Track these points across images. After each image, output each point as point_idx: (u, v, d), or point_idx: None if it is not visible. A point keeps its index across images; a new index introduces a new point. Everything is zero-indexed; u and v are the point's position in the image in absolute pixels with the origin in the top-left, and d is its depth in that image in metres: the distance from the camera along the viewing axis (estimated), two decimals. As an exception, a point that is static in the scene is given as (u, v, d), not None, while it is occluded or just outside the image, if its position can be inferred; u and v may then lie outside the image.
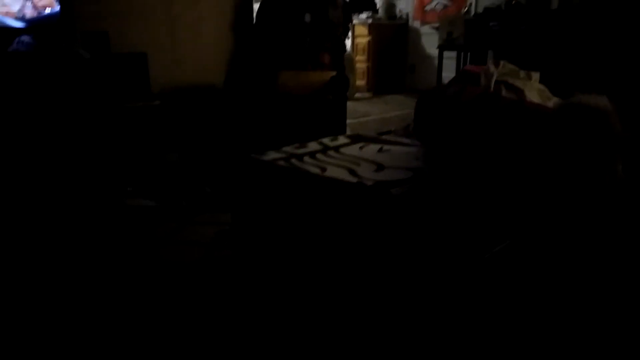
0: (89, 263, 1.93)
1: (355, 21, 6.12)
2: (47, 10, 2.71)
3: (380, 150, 1.72)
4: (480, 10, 5.15)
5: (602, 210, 1.25)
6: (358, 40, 6.23)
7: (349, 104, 4.63)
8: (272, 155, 1.63)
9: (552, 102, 2.01)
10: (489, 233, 1.27)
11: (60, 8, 2.72)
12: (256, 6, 3.71)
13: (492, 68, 2.02)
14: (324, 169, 1.47)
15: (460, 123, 1.47)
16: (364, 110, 5.19)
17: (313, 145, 1.75)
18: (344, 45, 3.88)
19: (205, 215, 2.46)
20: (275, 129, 3.17)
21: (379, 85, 6.26)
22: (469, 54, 5.04)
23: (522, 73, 2.06)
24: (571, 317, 1.17)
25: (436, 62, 5.29)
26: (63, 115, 2.58)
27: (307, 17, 3.51)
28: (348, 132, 3.74)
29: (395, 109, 5.28)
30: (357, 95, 5.93)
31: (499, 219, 1.30)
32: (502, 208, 1.30)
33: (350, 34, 6.11)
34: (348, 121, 4.01)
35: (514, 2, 4.47)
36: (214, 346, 1.40)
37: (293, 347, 1.37)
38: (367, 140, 1.87)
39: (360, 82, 6.18)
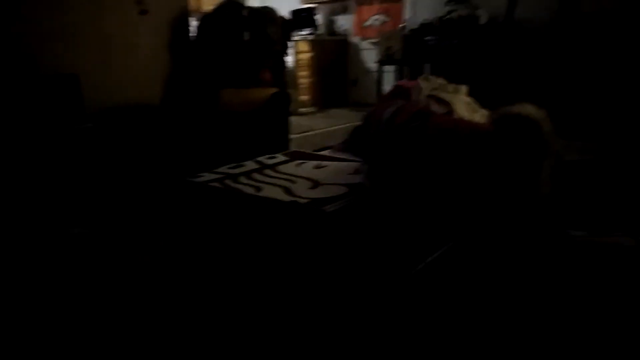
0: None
1: (296, 38, 6.18)
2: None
3: (317, 166, 1.73)
4: (416, 26, 5.35)
5: (526, 219, 1.31)
6: (300, 56, 6.29)
7: (294, 119, 4.63)
8: (206, 176, 1.60)
9: (480, 114, 2.11)
10: (423, 244, 1.30)
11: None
12: (194, 24, 3.67)
13: (422, 83, 2.11)
14: (258, 189, 1.46)
15: (397, 146, 1.50)
16: (308, 125, 5.22)
17: (249, 165, 1.74)
18: (284, 62, 3.90)
19: (145, 239, 2.37)
20: (217, 147, 3.13)
21: (323, 99, 6.33)
22: (407, 67, 5.21)
23: (450, 87, 2.16)
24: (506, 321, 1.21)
25: (376, 76, 5.42)
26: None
27: (246, 35, 3.51)
28: (292, 147, 3.75)
29: (338, 122, 5.35)
30: (302, 110, 5.97)
31: (433, 230, 1.34)
32: (435, 220, 1.34)
33: (292, 50, 6.16)
34: (292, 136, 4.01)
35: (445, 18, 4.68)
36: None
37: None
38: (304, 157, 1.88)
39: (304, 97, 6.23)
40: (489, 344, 1.15)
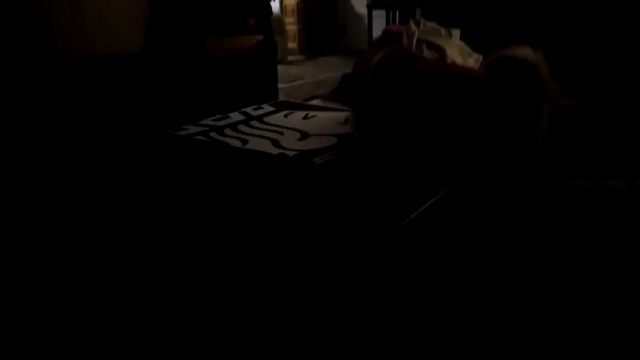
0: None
1: (282, -19, 5.91)
2: None
3: (305, 117, 1.68)
4: (406, -34, 5.10)
5: (522, 166, 1.27)
6: (287, 1, 6.03)
7: (282, 68, 4.50)
8: (190, 129, 1.54)
9: (473, 58, 2.04)
10: (416, 194, 1.28)
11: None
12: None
13: (413, 27, 2.02)
14: (245, 141, 1.41)
15: (384, 95, 1.43)
16: (296, 74, 5.09)
17: (235, 116, 1.68)
18: (270, 8, 3.73)
19: (135, 194, 2.32)
20: (202, 98, 3.04)
21: (311, 47, 6.13)
22: (397, 11, 5.02)
23: (442, 31, 2.07)
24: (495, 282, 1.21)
25: (366, 21, 5.25)
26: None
27: (228, -20, 3.32)
28: (281, 97, 3.66)
29: (328, 70, 5.22)
30: (290, 58, 5.80)
31: (425, 180, 1.31)
32: (427, 169, 1.30)
33: (278, -5, 5.90)
34: (280, 85, 3.91)
35: (437, -43, 4.46)
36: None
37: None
38: (293, 107, 1.82)
39: (292, 44, 6.03)
40: (483, 300, 1.16)
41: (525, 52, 1.32)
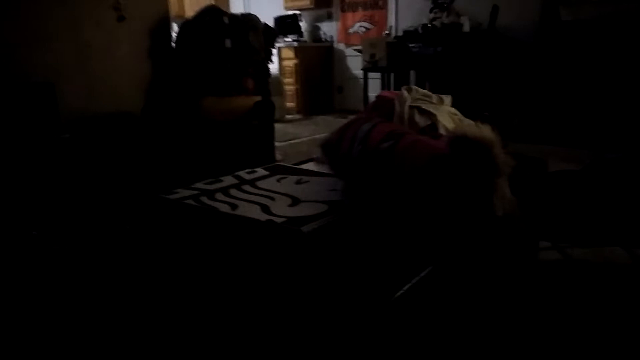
0: None
1: (281, 44, 6.14)
2: None
3: (298, 182, 1.67)
4: (400, 33, 5.34)
5: (487, 238, 1.23)
6: (285, 63, 6.25)
7: (279, 127, 4.57)
8: (181, 193, 1.53)
9: (465, 124, 2.07)
10: (404, 267, 1.25)
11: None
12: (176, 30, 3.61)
13: (405, 94, 2.07)
14: (235, 206, 1.39)
15: (370, 166, 1.42)
16: (294, 132, 5.18)
17: (228, 180, 1.67)
18: (268, 70, 3.84)
19: (127, 254, 2.27)
20: (199, 158, 3.06)
21: (309, 106, 6.29)
22: (392, 74, 5.19)
23: (434, 97, 2.12)
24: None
25: (362, 82, 5.40)
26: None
27: (228, 43, 3.45)
28: (278, 155, 3.69)
29: (325, 129, 5.31)
30: (288, 117, 5.93)
31: (412, 253, 1.28)
32: (412, 242, 1.27)
33: (276, 57, 6.12)
34: (278, 144, 3.96)
35: (429, 25, 4.67)
36: None
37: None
38: (286, 171, 1.82)
39: (290, 104, 6.19)
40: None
41: (482, 131, 1.31)
